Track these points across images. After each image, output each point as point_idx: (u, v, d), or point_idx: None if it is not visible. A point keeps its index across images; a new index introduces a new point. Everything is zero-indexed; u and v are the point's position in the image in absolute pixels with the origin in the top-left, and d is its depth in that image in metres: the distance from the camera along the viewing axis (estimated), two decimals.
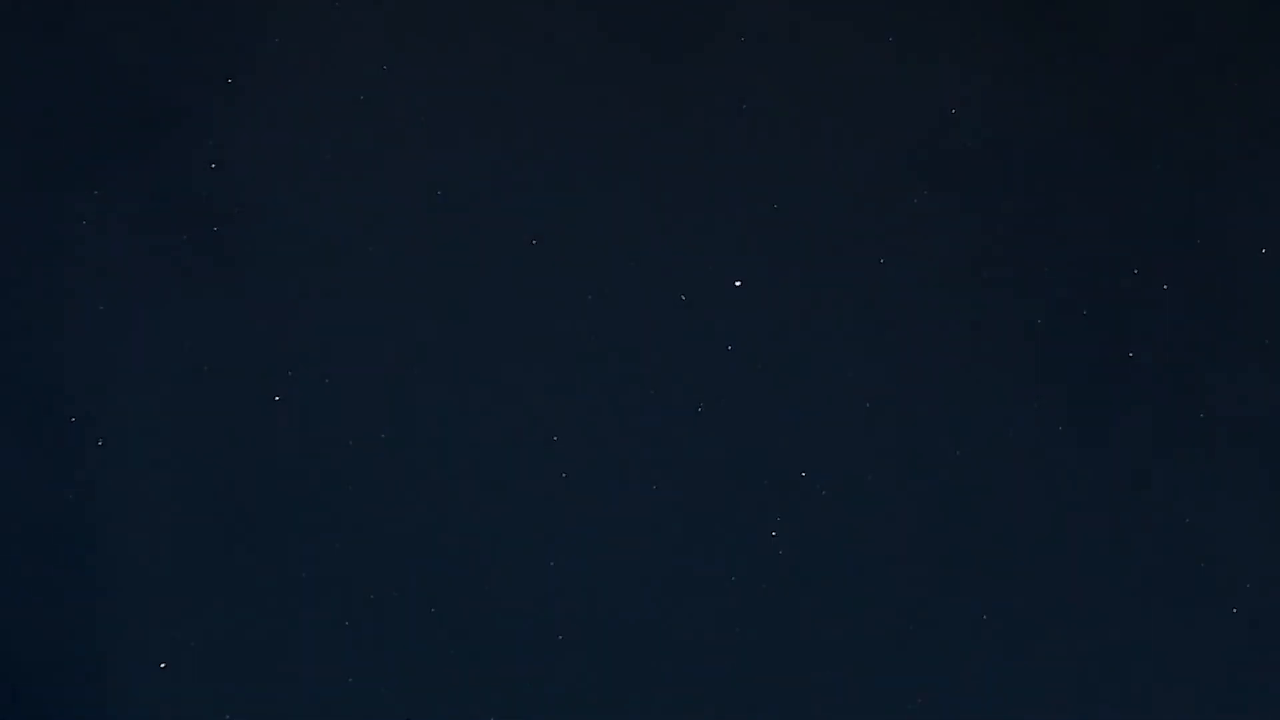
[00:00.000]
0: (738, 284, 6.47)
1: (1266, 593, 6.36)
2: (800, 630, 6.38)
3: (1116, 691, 6.35)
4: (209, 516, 6.31)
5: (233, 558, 6.30)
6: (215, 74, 6.41)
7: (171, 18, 6.41)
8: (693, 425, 6.43)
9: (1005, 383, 6.48)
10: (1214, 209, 6.54)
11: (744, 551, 6.40)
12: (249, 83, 6.42)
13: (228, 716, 6.25)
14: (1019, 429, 6.46)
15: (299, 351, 6.39)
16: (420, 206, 6.45)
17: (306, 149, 6.42)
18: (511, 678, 6.32)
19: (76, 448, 6.26)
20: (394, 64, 6.46)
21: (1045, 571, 6.41)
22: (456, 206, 6.48)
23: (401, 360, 6.42)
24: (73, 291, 6.31)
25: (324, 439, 6.38)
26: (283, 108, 6.42)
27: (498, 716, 6.29)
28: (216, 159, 6.38)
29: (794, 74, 6.55)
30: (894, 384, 6.47)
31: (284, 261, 6.37)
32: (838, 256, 6.51)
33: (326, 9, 6.47)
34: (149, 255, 6.31)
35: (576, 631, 6.35)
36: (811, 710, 6.34)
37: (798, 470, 6.42)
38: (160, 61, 6.41)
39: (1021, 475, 6.44)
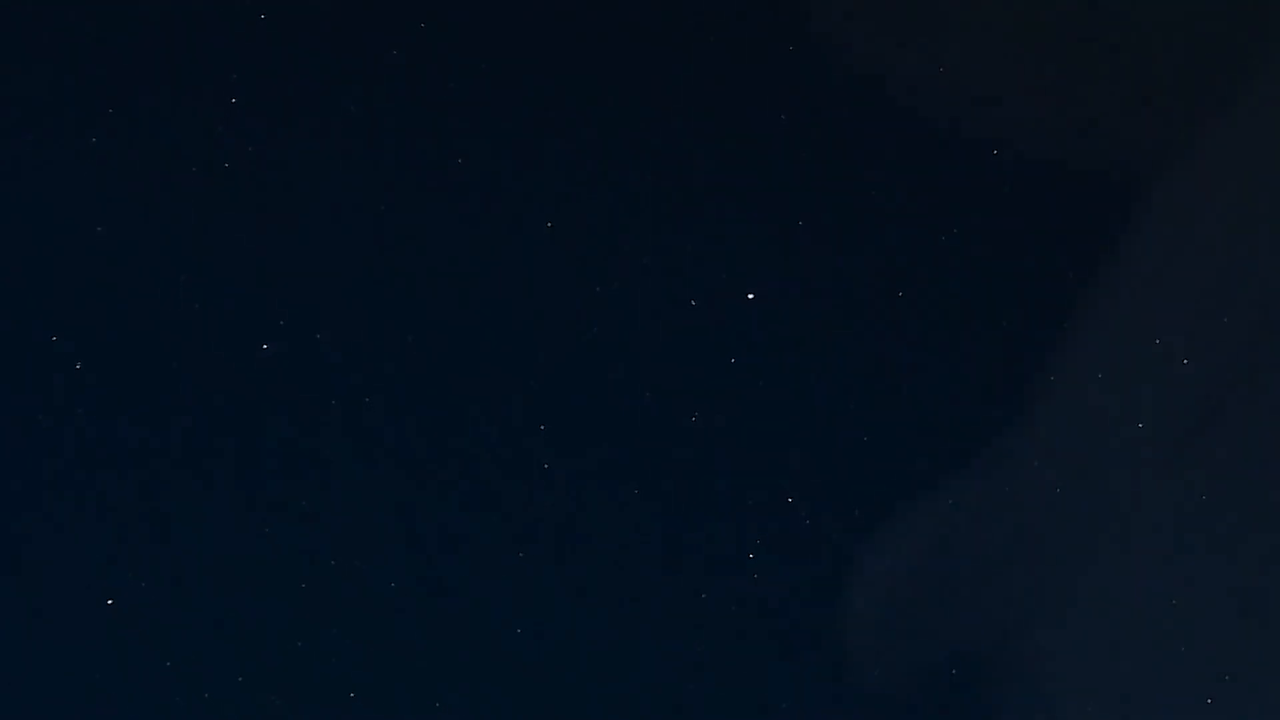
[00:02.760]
0: (750, 296, 6.34)
1: None
2: (765, 652, 6.29)
3: None
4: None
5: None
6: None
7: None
8: (685, 433, 6.30)
9: (1016, 431, 6.37)
10: None
11: (719, 568, 6.30)
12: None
13: (168, 663, 6.16)
14: (1023, 480, 6.35)
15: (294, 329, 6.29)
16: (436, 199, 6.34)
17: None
18: (478, 673, 6.26)
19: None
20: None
21: (1034, 624, 6.33)
22: (468, 196, 6.35)
23: (395, 343, 6.31)
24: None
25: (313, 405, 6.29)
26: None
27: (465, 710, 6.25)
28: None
29: (821, 86, 6.39)
30: (895, 420, 6.35)
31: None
32: (855, 285, 6.38)
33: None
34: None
35: (548, 629, 6.26)
36: None
37: (784, 495, 6.31)
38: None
39: (1020, 531, 6.33)
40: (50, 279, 6.22)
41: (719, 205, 6.39)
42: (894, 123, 6.40)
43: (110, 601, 6.15)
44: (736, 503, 6.33)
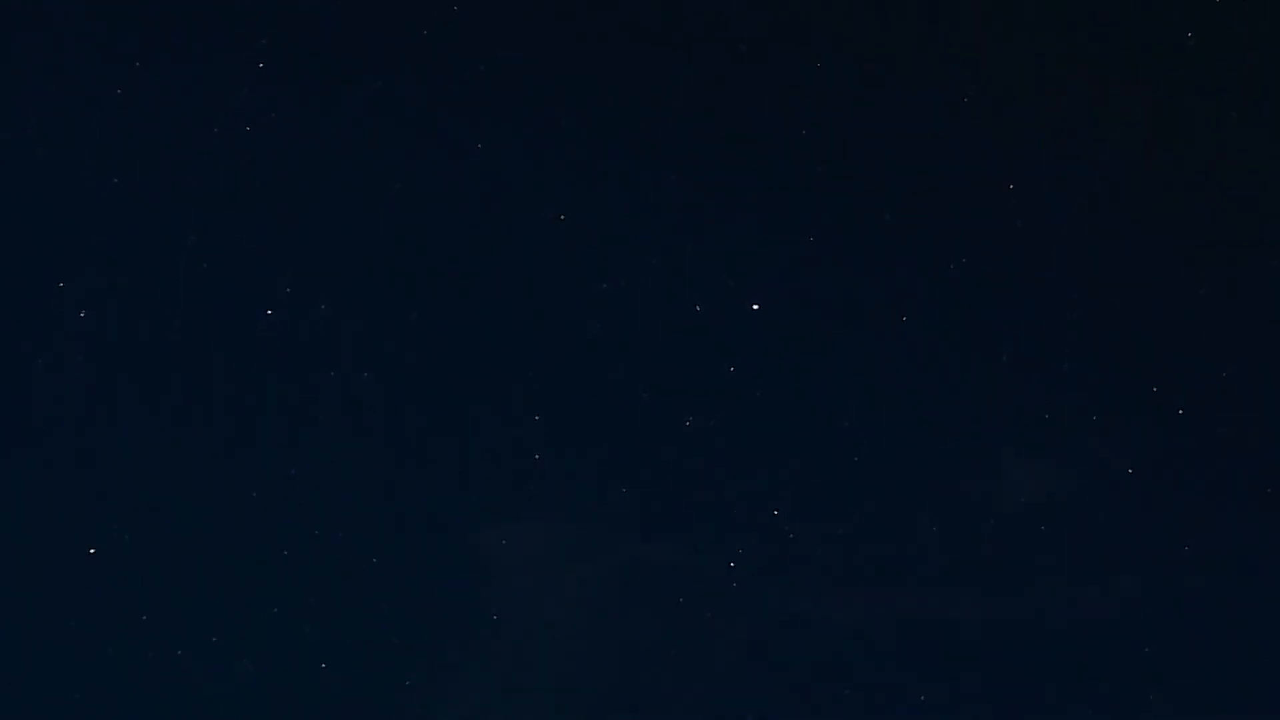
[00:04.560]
0: (755, 307, 6.34)
1: None
2: (741, 661, 6.28)
3: None
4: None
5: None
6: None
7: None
8: (678, 436, 6.30)
9: (1015, 467, 6.36)
10: None
11: (700, 576, 6.29)
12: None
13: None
14: (1018, 520, 6.34)
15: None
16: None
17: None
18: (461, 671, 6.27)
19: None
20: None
21: (1015, 659, 6.33)
22: (479, 190, 6.37)
23: (396, 334, 6.33)
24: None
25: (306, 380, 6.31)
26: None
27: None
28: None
29: (834, 98, 6.41)
30: (891, 447, 6.34)
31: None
32: (859, 300, 6.38)
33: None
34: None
35: (533, 623, 6.27)
36: None
37: (770, 507, 6.29)
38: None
39: (1010, 566, 6.33)
40: (56, 236, 6.27)
41: (730, 214, 6.40)
42: (905, 136, 6.40)
43: (92, 550, 6.18)
44: (724, 507, 6.32)
